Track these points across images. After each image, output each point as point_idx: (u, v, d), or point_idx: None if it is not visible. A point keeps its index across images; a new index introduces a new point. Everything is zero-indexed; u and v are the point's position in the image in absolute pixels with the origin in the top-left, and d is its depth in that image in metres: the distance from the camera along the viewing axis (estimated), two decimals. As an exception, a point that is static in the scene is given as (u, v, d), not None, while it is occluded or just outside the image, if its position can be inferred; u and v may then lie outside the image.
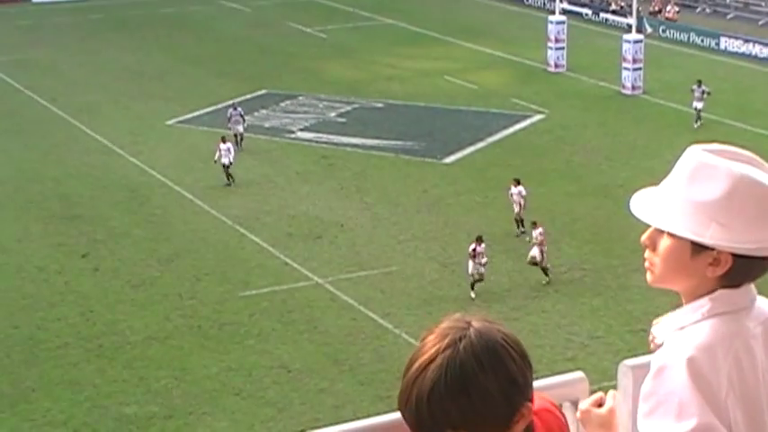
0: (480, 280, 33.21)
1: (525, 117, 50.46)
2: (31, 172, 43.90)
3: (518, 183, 37.96)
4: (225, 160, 41.88)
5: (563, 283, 34.05)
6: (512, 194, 37.94)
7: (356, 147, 46.79)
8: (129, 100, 53.39)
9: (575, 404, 3.49)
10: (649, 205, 3.23)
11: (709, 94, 48.46)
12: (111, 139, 47.37)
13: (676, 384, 3.06)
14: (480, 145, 46.97)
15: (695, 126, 47.41)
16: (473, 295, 33.00)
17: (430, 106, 52.37)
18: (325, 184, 42.49)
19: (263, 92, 54.64)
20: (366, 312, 32.39)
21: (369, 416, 3.30)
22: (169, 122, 49.77)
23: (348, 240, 37.25)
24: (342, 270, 35.03)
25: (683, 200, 3.14)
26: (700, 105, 48.30)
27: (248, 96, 53.65)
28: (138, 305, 33.01)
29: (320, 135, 48.31)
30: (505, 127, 49.24)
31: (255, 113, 51.11)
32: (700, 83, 48.89)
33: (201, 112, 51.26)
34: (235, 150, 42.91)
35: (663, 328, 3.24)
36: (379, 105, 52.71)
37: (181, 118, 50.30)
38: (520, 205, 37.56)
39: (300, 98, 53.70)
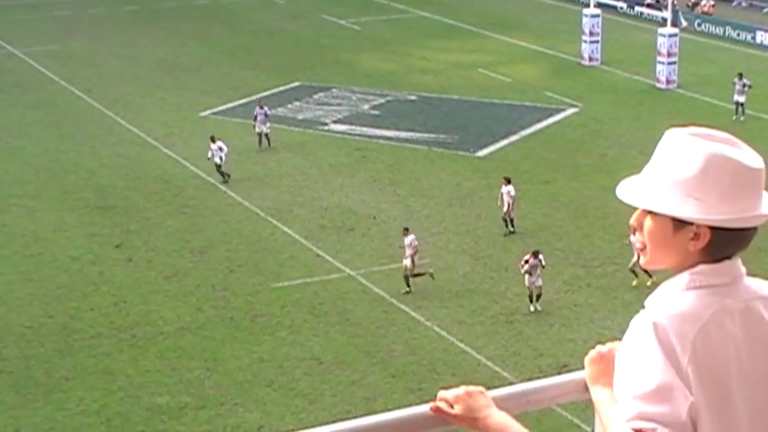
0: (538, 295, 31.96)
1: (559, 110, 50.31)
2: (65, 162, 44.14)
3: (508, 182, 37.56)
4: (216, 159, 41.48)
5: (596, 277, 33.95)
6: (501, 193, 37.55)
7: (389, 139, 46.78)
8: (164, 91, 53.57)
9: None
10: (633, 189, 3.45)
11: (750, 87, 48.13)
12: (146, 131, 47.56)
13: (642, 345, 3.20)
14: (513, 138, 46.87)
15: (734, 119, 47.15)
16: (532, 308, 31.97)
17: (463, 99, 52.30)
18: (357, 176, 42.51)
19: (297, 84, 54.70)
20: (398, 305, 32.40)
21: (400, 407, 3.30)
22: (203, 114, 49.90)
23: (380, 233, 37.26)
24: (374, 262, 35.06)
25: (662, 180, 3.33)
26: (741, 99, 48.01)
27: (282, 88, 53.74)
28: (171, 296, 33.15)
29: (353, 127, 48.33)
30: (539, 120, 49.12)
31: (289, 105, 51.19)
32: (741, 75, 48.56)
33: (235, 103, 51.37)
34: (226, 150, 41.66)
35: (648, 301, 3.34)
36: (413, 98, 52.67)
37: (215, 109, 50.43)
38: (509, 205, 37.23)
39: (334, 90, 53.72)
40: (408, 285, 32.98)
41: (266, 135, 44.94)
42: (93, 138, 46.95)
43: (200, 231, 37.62)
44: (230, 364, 29.54)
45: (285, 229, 37.61)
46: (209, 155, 41.78)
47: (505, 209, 37.16)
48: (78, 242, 36.85)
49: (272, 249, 36.23)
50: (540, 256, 32.24)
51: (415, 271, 33.21)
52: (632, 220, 3.45)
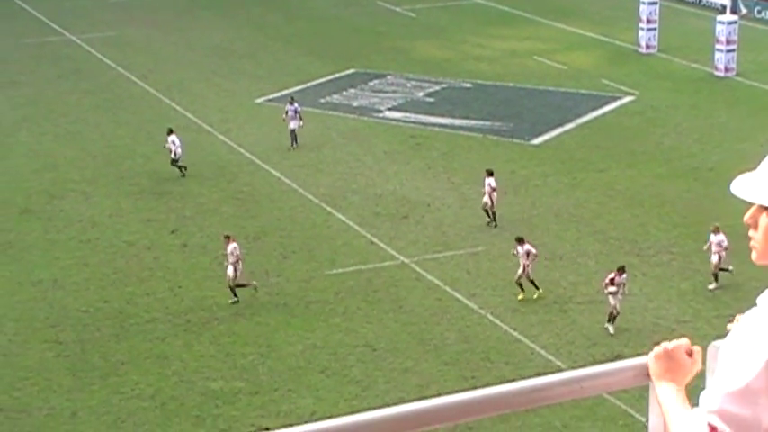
0: (617, 314, 30.15)
1: (615, 98, 50.00)
2: (122, 148, 44.46)
3: (490, 174, 36.96)
4: (172, 154, 41.13)
5: (651, 267, 33.74)
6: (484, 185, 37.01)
7: (444, 127, 46.71)
8: (219, 78, 53.80)
9: (661, 384, 3.45)
10: (748, 185, 3.26)
11: None
12: (201, 117, 47.80)
13: (747, 342, 3.11)
14: (569, 126, 46.65)
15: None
16: (611, 330, 30.06)
17: (519, 87, 52.11)
18: (412, 163, 42.49)
19: (352, 71, 54.73)
20: (451, 293, 32.38)
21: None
22: (258, 100, 50.07)
23: (434, 220, 37.24)
24: (428, 250, 35.04)
25: None
26: None
27: (337, 75, 53.80)
28: (225, 282, 33.29)
29: (408, 115, 48.30)
30: (595, 108, 48.84)
31: (344, 92, 51.25)
32: None
33: (290, 90, 51.45)
34: (179, 143, 41.06)
35: (761, 298, 3.23)
36: (468, 85, 52.55)
37: (270, 96, 50.59)
38: (490, 197, 36.75)
39: (389, 77, 53.71)
40: (235, 295, 31.90)
41: (294, 133, 43.61)
42: (149, 123, 47.25)
43: (254, 217, 37.77)
44: (284, 350, 29.66)
45: (339, 215, 37.68)
46: (166, 146, 41.23)
47: (489, 201, 36.71)
48: (134, 227, 37.13)
49: (326, 236, 36.31)
50: (625, 274, 30.36)
51: (238, 281, 31.94)
52: (746, 217, 3.28)
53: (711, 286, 32.18)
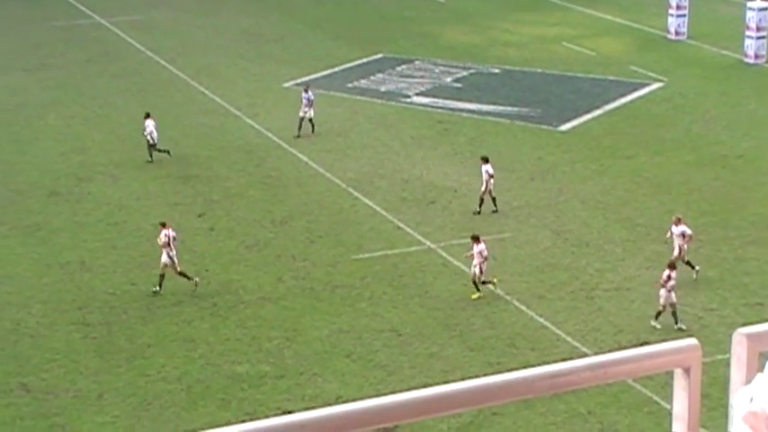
0: (672, 311, 29.34)
1: (644, 85, 49.79)
2: (150, 132, 44.53)
3: (486, 161, 36.86)
4: (149, 138, 41.01)
5: (678, 254, 33.60)
6: (481, 172, 36.79)
7: (472, 112, 46.63)
8: (247, 62, 53.85)
9: (686, 371, 3.43)
10: None
11: None
12: (229, 101, 47.87)
13: None
14: (597, 113, 46.49)
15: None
16: (658, 326, 29.63)
17: (547, 72, 51.96)
18: (439, 149, 42.45)
19: (380, 56, 54.69)
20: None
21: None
22: (286, 85, 50.09)
23: (461, 206, 37.20)
24: (454, 235, 35.02)
25: None
26: None
27: (365, 60, 53.76)
28: (252, 266, 33.39)
29: (436, 100, 48.24)
30: (623, 95, 48.66)
31: (372, 77, 51.22)
32: None
33: (318, 75, 51.48)
34: (150, 129, 40.87)
35: None
36: (496, 71, 52.43)
37: (297, 80, 50.58)
38: (487, 183, 36.57)
39: (417, 63, 53.64)
40: (160, 286, 31.57)
41: (310, 120, 43.34)
42: (176, 107, 47.35)
43: (281, 202, 37.82)
44: (310, 334, 29.72)
45: (366, 200, 37.68)
46: (147, 132, 41.08)
47: (484, 187, 36.62)
48: (161, 211, 37.22)
49: (353, 221, 36.34)
50: (675, 271, 29.54)
51: (179, 270, 31.58)
52: None
53: (695, 274, 31.83)
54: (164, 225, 32.25)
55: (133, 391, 27.18)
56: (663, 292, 29.38)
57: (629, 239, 34.60)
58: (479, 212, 36.27)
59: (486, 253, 31.24)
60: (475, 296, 31.13)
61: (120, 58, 54.56)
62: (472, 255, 31.33)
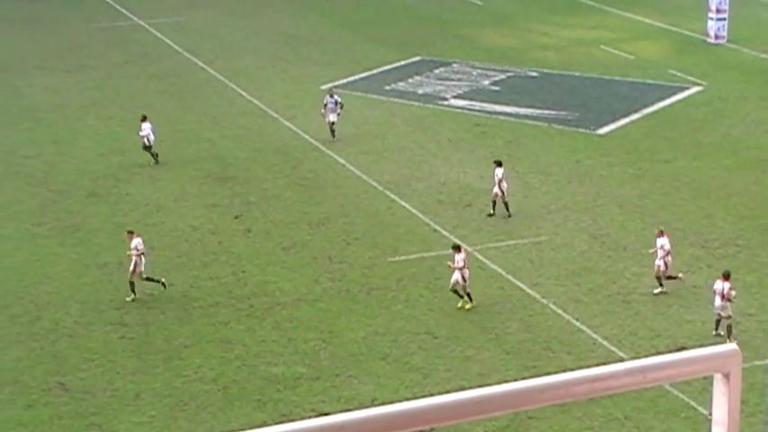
0: (727, 319, 28.66)
1: (682, 89, 49.56)
2: (187, 133, 44.76)
3: (499, 164, 36.59)
4: (144, 141, 41.06)
5: (716, 259, 33.42)
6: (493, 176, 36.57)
7: (509, 115, 46.55)
8: (285, 64, 53.98)
9: (726, 377, 3.42)
10: None
11: None
12: (266, 103, 48.00)
13: None
14: (635, 116, 46.32)
15: None
16: (722, 332, 29.06)
17: (585, 76, 51.81)
18: (476, 152, 42.40)
19: (418, 58, 54.69)
20: (514, 281, 32.29)
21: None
22: (324, 87, 50.16)
23: (498, 209, 37.12)
24: (491, 238, 34.96)
25: None
26: None
27: (403, 62, 53.79)
28: (289, 267, 33.45)
29: (473, 103, 48.20)
30: (661, 98, 48.45)
31: (409, 80, 51.24)
32: None
33: (356, 77, 51.56)
34: (147, 132, 40.89)
35: None
36: (534, 74, 52.33)
37: (335, 82, 50.67)
38: (500, 187, 36.24)
39: (454, 65, 53.61)
40: (133, 291, 31.54)
41: (332, 124, 42.94)
42: (214, 109, 47.53)
43: (318, 204, 37.88)
44: (345, 336, 29.74)
45: (403, 203, 37.68)
46: (141, 132, 41.09)
47: (497, 190, 36.34)
48: (198, 212, 37.38)
49: (390, 223, 36.34)
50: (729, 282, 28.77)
51: (145, 275, 31.53)
52: None
53: (656, 291, 31.30)
54: (132, 233, 32.09)
55: (170, 392, 27.29)
56: (719, 301, 28.67)
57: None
58: (493, 214, 36.24)
59: (466, 261, 30.84)
60: (460, 305, 30.70)
61: (158, 60, 54.82)
62: (455, 263, 30.86)
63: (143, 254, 31.70)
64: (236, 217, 37.00)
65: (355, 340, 29.51)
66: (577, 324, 30.00)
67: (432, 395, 2.82)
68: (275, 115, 46.59)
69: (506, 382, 3.06)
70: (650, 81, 50.67)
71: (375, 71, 52.23)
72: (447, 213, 36.91)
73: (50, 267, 33.54)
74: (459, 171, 40.40)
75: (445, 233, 35.40)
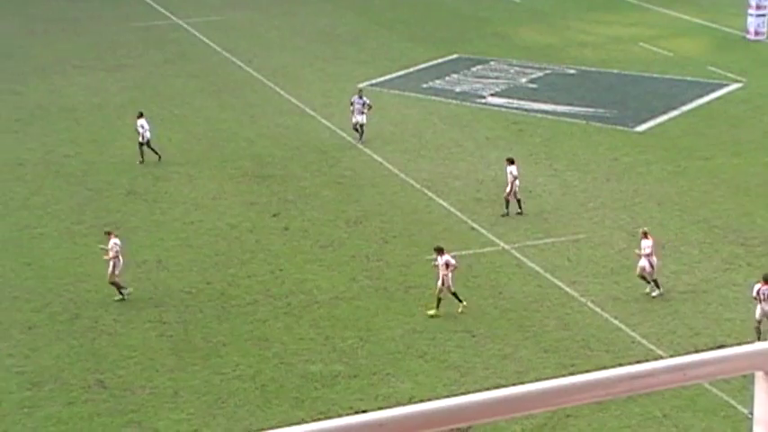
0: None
1: (721, 86, 49.27)
2: (226, 131, 44.90)
3: (511, 162, 36.45)
4: (140, 138, 41.22)
5: (756, 257, 33.21)
6: (506, 173, 36.38)
7: (547, 113, 46.43)
8: (323, 62, 54.05)
9: (768, 374, 3.39)
10: None
11: None
12: (304, 101, 48.08)
13: None
14: (674, 114, 46.09)
15: None
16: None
17: (623, 73, 51.60)
18: (514, 149, 42.28)
19: (455, 56, 54.64)
20: (552, 280, 32.21)
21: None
22: (361, 85, 50.17)
23: (536, 207, 37.05)
24: (529, 236, 34.89)
25: None
26: None
27: (440, 60, 53.74)
28: (326, 265, 33.49)
29: (511, 100, 48.10)
30: (700, 96, 48.19)
31: (447, 78, 51.20)
32: None
33: (393, 75, 51.56)
34: (149, 126, 41.32)
35: None
36: (572, 71, 52.16)
37: (373, 81, 50.71)
38: (512, 185, 36.09)
39: (492, 63, 53.52)
40: (120, 293, 31.60)
41: (362, 125, 42.77)
42: (252, 107, 47.66)
43: (355, 202, 37.91)
44: (383, 334, 29.75)
45: (440, 201, 37.66)
46: (139, 131, 41.30)
47: (509, 189, 36.22)
48: (236, 210, 37.50)
49: (427, 221, 36.33)
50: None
51: (115, 279, 31.54)
52: None
53: (655, 293, 30.98)
54: (109, 234, 32.14)
55: (208, 389, 27.39)
56: (758, 307, 28.34)
57: (705, 241, 34.26)
58: (507, 214, 36.08)
59: (453, 262, 30.57)
60: (432, 312, 30.40)
61: (196, 59, 55.03)
62: (437, 266, 30.67)
63: (119, 255, 31.65)
64: (274, 215, 37.08)
65: (393, 338, 29.51)
66: (615, 322, 29.88)
67: (469, 393, 2.82)
68: (313, 114, 46.66)
69: (544, 380, 3.05)
70: (689, 78, 50.41)
71: (412, 69, 52.21)
72: (485, 211, 36.85)
73: (90, 266, 33.73)
74: (497, 169, 40.30)
75: (483, 231, 35.35)
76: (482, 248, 34.27)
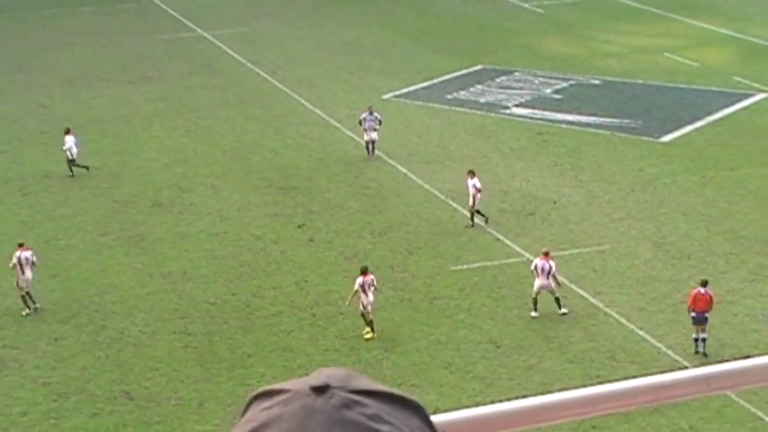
0: None
1: (747, 96, 49.08)
2: (250, 143, 44.99)
3: (473, 175, 36.51)
4: (68, 154, 41.21)
5: (783, 268, 33.05)
6: (468, 186, 36.41)
7: (571, 124, 46.34)
8: (348, 74, 54.12)
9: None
10: None
11: None
12: (329, 113, 48.14)
13: None
14: (699, 124, 45.93)
15: None
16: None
17: (648, 84, 51.46)
18: (539, 160, 42.25)
19: (479, 67, 54.61)
20: (577, 290, 32.13)
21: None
22: (385, 96, 50.25)
23: (561, 217, 36.98)
24: (554, 247, 34.78)
25: None
26: None
27: (464, 71, 53.73)
28: (351, 276, 33.45)
29: (535, 111, 48.03)
30: (726, 106, 48.00)
31: (471, 89, 51.17)
32: None
33: (417, 86, 51.58)
34: (76, 143, 41.32)
35: None
36: (596, 82, 52.06)
37: (397, 92, 50.74)
38: (474, 198, 36.15)
39: (516, 74, 53.47)
40: (27, 306, 31.51)
41: (373, 143, 42.32)
42: (277, 119, 47.75)
43: (380, 213, 37.92)
44: (408, 345, 29.73)
45: (465, 212, 37.61)
46: (67, 146, 41.28)
47: (471, 202, 36.22)
48: (261, 221, 37.56)
49: (452, 232, 36.30)
50: None
51: (24, 291, 31.50)
52: None
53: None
54: (21, 245, 32.03)
55: (233, 400, 27.41)
56: None
57: (731, 252, 34.10)
58: (472, 225, 36.10)
59: (375, 283, 30.41)
60: (367, 334, 30.20)
61: (221, 71, 55.18)
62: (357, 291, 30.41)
63: (23, 267, 31.48)
64: (299, 226, 37.12)
65: (418, 349, 29.49)
66: (641, 333, 29.78)
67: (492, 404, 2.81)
68: (337, 125, 46.71)
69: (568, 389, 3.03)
70: (715, 88, 50.24)
71: (436, 80, 52.21)
72: (509, 222, 36.80)
73: (115, 277, 33.85)
74: (522, 180, 40.27)
75: (507, 242, 35.30)
76: (507, 259, 34.21)
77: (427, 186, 39.91)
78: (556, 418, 2.80)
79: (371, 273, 30.71)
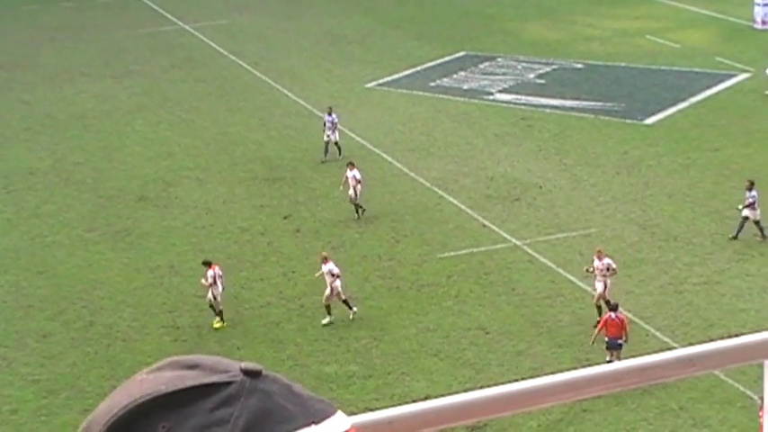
0: None
1: (730, 76, 49.17)
2: (234, 135, 44.94)
3: (353, 166, 36.54)
4: None
5: (768, 247, 33.17)
6: (346, 177, 36.45)
7: (555, 108, 46.38)
8: (330, 63, 54.06)
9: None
10: None
11: None
12: (312, 103, 48.09)
13: None
14: (682, 105, 46.02)
15: None
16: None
17: (631, 66, 51.52)
18: (523, 145, 42.28)
19: (462, 54, 54.60)
20: (564, 275, 32.19)
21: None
22: (368, 85, 50.22)
23: (547, 202, 37.03)
24: (540, 232, 34.87)
25: None
26: None
27: (447, 58, 53.71)
28: (338, 266, 33.49)
29: (519, 96, 48.06)
30: (709, 87, 48.10)
31: (454, 75, 51.17)
32: None
33: (400, 74, 51.55)
34: None
35: None
36: (579, 66, 52.10)
37: (380, 81, 50.70)
38: (354, 189, 36.19)
39: (499, 60, 53.48)
40: None
41: (336, 143, 41.90)
42: (260, 110, 47.69)
43: (366, 202, 37.90)
44: (397, 333, 29.76)
45: (451, 199, 37.65)
46: None
47: (351, 193, 36.28)
48: (248, 213, 37.53)
49: (438, 219, 36.32)
50: None
51: None
52: None
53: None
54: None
55: (223, 393, 27.37)
56: None
57: (717, 232, 34.20)
58: (359, 217, 36.18)
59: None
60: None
61: (204, 64, 55.07)
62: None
63: None
64: (285, 217, 37.11)
65: (407, 337, 29.53)
66: (630, 315, 29.84)
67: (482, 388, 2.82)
68: (321, 115, 46.62)
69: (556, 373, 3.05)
70: (697, 69, 50.33)
71: (419, 68, 52.18)
72: (495, 208, 36.84)
73: (102, 272, 33.80)
74: (507, 165, 40.31)
75: (494, 228, 35.34)
76: (494, 245, 34.26)
77: (412, 174, 39.91)
78: (546, 401, 2.81)
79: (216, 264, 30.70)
